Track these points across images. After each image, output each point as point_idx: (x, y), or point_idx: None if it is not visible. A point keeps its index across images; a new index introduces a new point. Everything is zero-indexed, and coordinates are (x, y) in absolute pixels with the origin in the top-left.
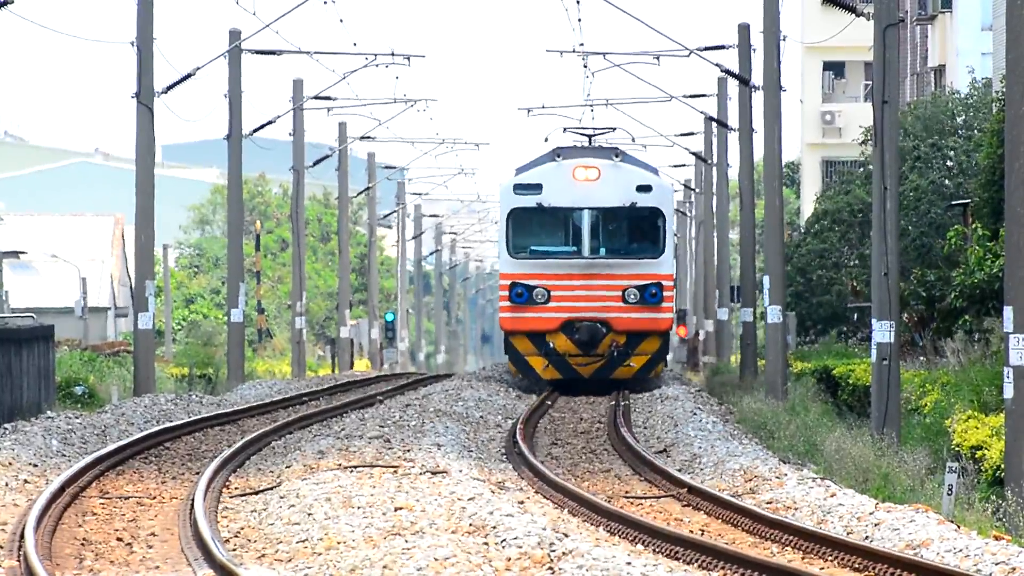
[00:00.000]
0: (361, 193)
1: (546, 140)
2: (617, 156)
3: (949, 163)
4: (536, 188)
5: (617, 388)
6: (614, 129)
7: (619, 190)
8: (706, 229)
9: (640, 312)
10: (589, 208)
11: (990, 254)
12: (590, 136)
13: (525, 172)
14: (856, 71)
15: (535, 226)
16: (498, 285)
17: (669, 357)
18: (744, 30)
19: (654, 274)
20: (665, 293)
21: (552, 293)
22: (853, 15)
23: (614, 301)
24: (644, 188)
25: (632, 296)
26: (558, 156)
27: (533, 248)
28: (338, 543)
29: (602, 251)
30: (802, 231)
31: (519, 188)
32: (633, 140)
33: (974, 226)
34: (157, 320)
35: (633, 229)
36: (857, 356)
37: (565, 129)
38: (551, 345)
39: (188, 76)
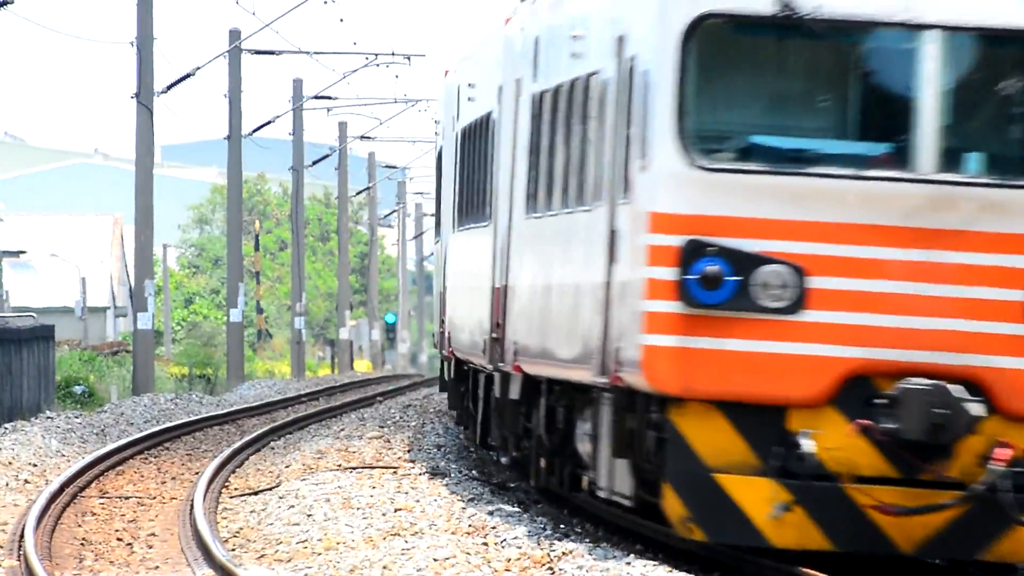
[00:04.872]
0: (361, 192)
1: None
2: None
3: None
4: None
5: None
6: None
7: None
8: None
9: None
10: (946, 29)
11: None
12: None
13: None
14: None
15: (764, 76)
16: (629, 250)
17: None
18: None
19: None
20: None
21: (815, 284)
22: None
23: (1004, 319)
24: None
25: None
26: None
27: (755, 142)
28: (338, 543)
29: (971, 163)
30: None
31: None
32: None
33: None
34: (156, 320)
35: None
36: None
37: None
38: (799, 446)
39: (188, 76)
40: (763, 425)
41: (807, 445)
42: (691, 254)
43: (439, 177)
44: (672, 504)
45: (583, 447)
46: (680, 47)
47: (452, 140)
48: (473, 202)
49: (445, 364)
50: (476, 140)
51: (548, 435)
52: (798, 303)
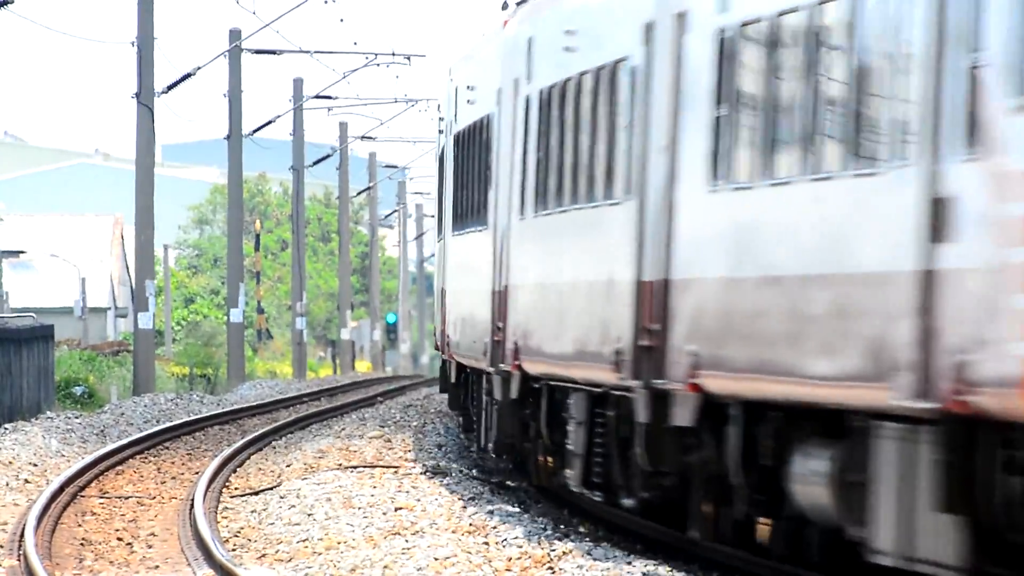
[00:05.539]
0: (362, 193)
1: None
2: None
3: None
4: None
5: None
6: None
7: None
8: None
9: None
10: None
11: None
12: None
13: None
14: None
15: None
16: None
17: None
18: None
19: None
20: None
21: None
22: None
23: None
24: None
25: None
26: None
27: None
28: (338, 543)
29: None
30: None
31: None
32: None
33: None
34: (157, 320)
35: None
36: None
37: None
38: None
39: (188, 76)
40: None
41: None
42: None
43: (466, 161)
44: None
45: (807, 490)
46: None
47: (515, 108)
48: (574, 179)
49: (498, 380)
50: (579, 102)
51: (745, 475)
52: None
